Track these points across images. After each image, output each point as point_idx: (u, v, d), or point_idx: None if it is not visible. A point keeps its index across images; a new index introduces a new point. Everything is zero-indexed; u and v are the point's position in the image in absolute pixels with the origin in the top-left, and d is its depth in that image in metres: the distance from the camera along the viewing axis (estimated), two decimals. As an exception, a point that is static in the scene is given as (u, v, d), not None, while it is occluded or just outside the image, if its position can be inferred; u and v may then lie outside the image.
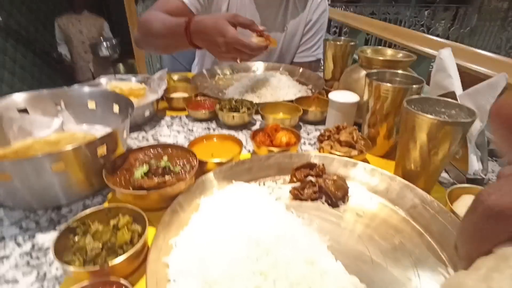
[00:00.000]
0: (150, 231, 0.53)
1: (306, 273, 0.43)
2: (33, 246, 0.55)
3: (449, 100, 0.66)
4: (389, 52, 0.98)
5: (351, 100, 0.87)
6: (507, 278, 0.17)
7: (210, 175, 0.66)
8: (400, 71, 0.82)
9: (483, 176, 0.71)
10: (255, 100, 1.07)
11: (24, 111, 0.76)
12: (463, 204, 0.60)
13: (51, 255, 0.53)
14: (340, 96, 0.89)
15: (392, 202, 0.65)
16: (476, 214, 0.21)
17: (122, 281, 0.44)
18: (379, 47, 1.04)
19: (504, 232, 0.20)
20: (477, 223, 0.21)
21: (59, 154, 0.55)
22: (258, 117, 1.07)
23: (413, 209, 0.62)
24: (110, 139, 0.63)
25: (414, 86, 0.73)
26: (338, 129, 0.82)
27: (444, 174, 0.77)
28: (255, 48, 0.99)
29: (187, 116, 1.07)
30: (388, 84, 0.74)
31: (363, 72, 0.93)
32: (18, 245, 0.55)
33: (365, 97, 0.81)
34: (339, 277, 0.47)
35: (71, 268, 0.43)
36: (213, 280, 0.42)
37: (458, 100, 0.70)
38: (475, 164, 0.71)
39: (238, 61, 1.06)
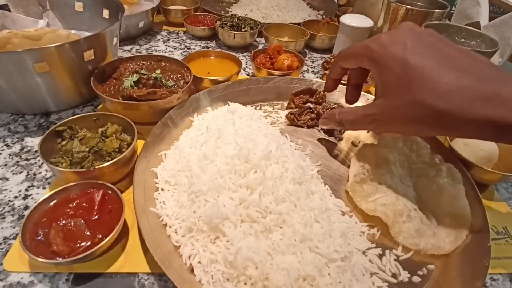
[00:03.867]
0: (139, 143, 0.52)
1: (293, 191, 0.43)
2: (22, 148, 0.55)
3: (472, 28, 0.60)
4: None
5: (364, 25, 0.79)
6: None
7: (205, 93, 0.63)
8: (423, -6, 0.73)
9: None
10: (260, 20, 0.98)
11: (5, 7, 0.69)
12: (461, 141, 0.58)
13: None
14: (353, 20, 0.80)
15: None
16: None
17: (110, 185, 0.44)
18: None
19: None
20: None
21: (41, 52, 0.51)
22: (262, 40, 0.99)
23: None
24: (97, 42, 0.58)
25: (436, 11, 0.65)
26: (345, 56, 0.76)
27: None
28: None
29: (185, 33, 0.99)
30: (408, 6, 0.66)
31: (382, -5, 0.83)
32: (7, 146, 0.55)
33: (380, 23, 0.74)
34: (325, 198, 0.47)
35: (57, 169, 0.43)
36: (199, 190, 0.42)
37: (482, 30, 0.64)
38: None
39: None
